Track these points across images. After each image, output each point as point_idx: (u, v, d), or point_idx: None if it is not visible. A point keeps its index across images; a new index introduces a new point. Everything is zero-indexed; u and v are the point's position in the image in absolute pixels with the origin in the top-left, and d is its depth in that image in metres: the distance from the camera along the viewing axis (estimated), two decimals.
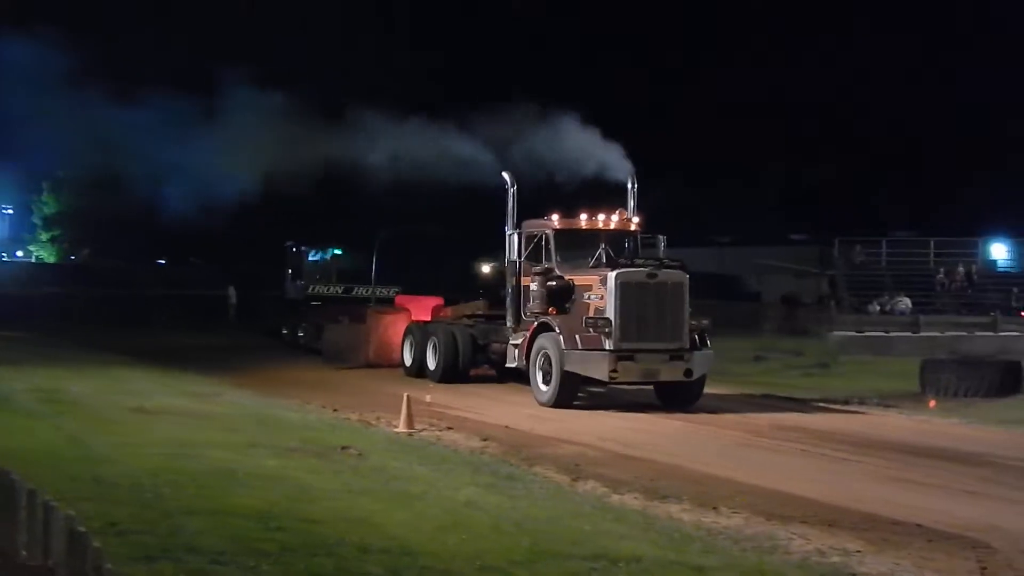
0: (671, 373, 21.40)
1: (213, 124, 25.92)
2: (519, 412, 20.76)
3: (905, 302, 43.94)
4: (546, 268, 22.90)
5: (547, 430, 18.41)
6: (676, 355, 21.33)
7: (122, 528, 9.16)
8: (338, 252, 39.60)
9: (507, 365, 23.80)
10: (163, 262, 60.71)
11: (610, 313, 21.23)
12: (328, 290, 37.80)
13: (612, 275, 21.40)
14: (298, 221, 43.68)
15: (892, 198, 57.57)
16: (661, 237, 24.66)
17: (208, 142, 25.63)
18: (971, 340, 36.23)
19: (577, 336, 21.31)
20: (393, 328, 29.07)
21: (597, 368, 21.16)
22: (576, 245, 23.68)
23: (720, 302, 36.31)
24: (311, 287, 37.98)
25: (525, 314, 23.39)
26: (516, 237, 23.90)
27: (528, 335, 22.49)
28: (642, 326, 21.35)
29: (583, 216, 23.84)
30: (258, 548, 8.81)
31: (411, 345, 27.43)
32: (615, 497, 12.83)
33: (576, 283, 22.51)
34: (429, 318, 28.25)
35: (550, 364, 21.60)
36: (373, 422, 18.73)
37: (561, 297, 22.52)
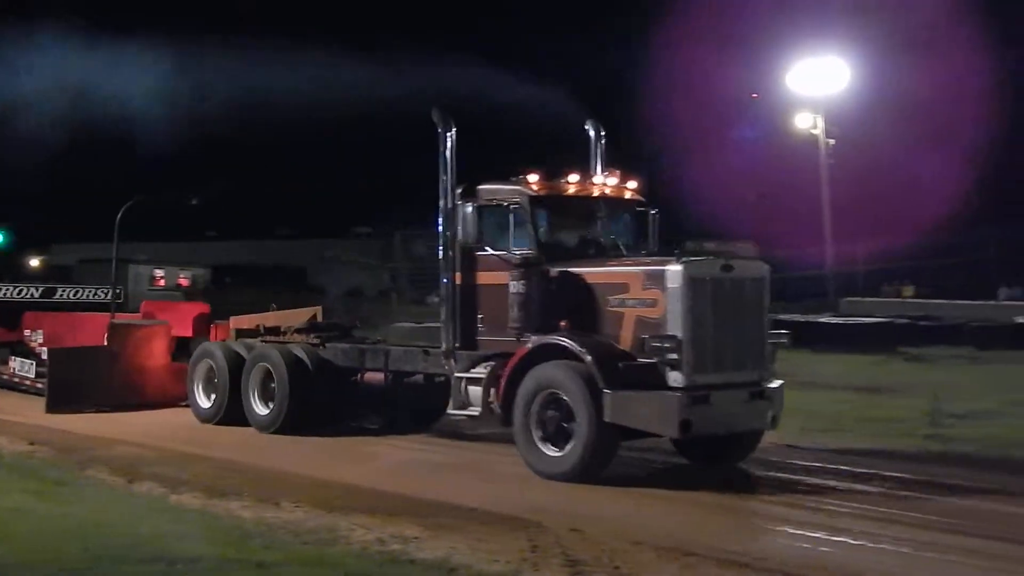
0: (751, 419, 14.25)
1: None
2: (73, 415, 19.61)
3: None
4: (530, 256, 14.91)
5: (102, 431, 17.68)
6: (757, 392, 14.26)
7: None
8: None
9: (451, 411, 15.69)
10: None
11: (675, 328, 13.55)
12: (19, 293, 26.17)
13: (677, 268, 13.67)
14: None
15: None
16: (653, 211, 16.37)
17: None
18: None
19: (621, 366, 13.71)
20: (147, 349, 20.88)
21: (660, 417, 13.41)
22: (560, 222, 15.90)
23: (287, 294, 36.28)
24: None
25: (481, 330, 15.57)
26: (467, 209, 15.58)
27: (510, 366, 14.59)
28: (719, 348, 13.90)
29: (572, 177, 15.92)
30: None
31: (208, 377, 18.90)
32: (174, 497, 12.54)
33: (591, 281, 14.68)
34: (191, 333, 20.99)
35: (564, 412, 13.85)
36: None
37: (575, 303, 14.60)
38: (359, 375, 17.70)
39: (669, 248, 15.08)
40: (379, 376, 17.47)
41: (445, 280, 15.89)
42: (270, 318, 19.94)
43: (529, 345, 14.45)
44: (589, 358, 13.66)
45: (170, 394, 20.51)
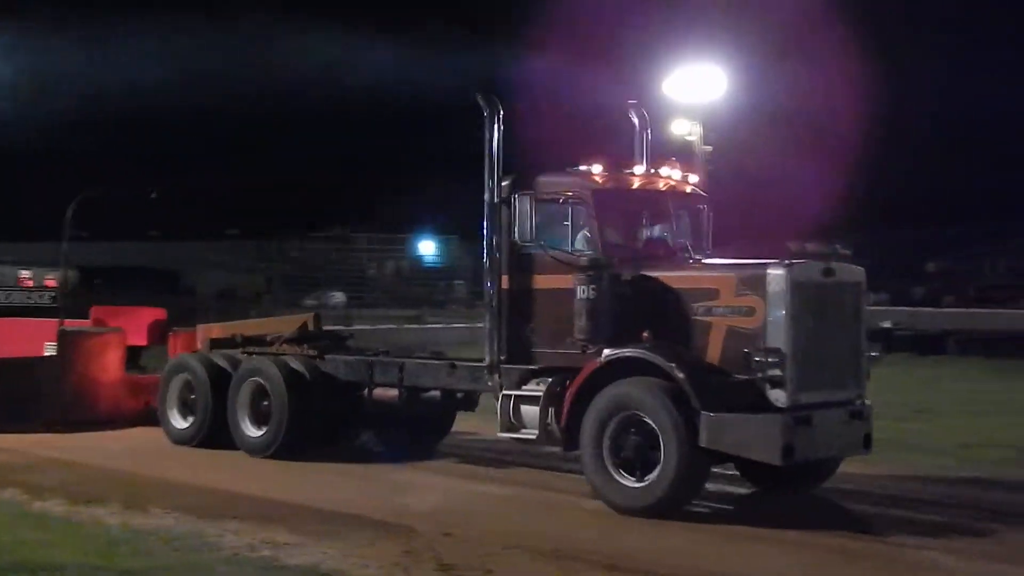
0: (847, 442, 12.63)
1: None
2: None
3: (339, 296, 45.42)
4: (599, 257, 12.89)
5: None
6: (855, 410, 12.66)
7: None
8: None
9: (500, 434, 13.54)
10: None
11: (776, 340, 11.89)
12: None
13: (780, 272, 12.02)
14: None
15: (326, 196, 59.39)
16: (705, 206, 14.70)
17: None
18: (400, 332, 37.95)
19: (716, 384, 11.99)
20: (101, 360, 18.54)
21: (762, 442, 11.68)
22: (625, 219, 13.98)
23: (157, 296, 35.62)
24: None
25: (534, 341, 13.53)
26: (524, 203, 13.54)
27: (577, 383, 12.63)
28: (820, 362, 12.26)
29: (638, 168, 14.30)
30: None
31: (181, 392, 16.76)
32: (36, 504, 12.19)
33: (673, 286, 12.81)
34: (146, 341, 18.95)
35: (647, 437, 11.97)
36: None
37: (652, 311, 12.71)
38: (366, 391, 15.51)
39: (725, 248, 14.02)
40: (391, 392, 15.28)
41: (490, 284, 13.82)
42: (250, 326, 17.87)
43: (601, 359, 12.48)
44: (681, 375, 11.83)
45: (124, 410, 18.48)
